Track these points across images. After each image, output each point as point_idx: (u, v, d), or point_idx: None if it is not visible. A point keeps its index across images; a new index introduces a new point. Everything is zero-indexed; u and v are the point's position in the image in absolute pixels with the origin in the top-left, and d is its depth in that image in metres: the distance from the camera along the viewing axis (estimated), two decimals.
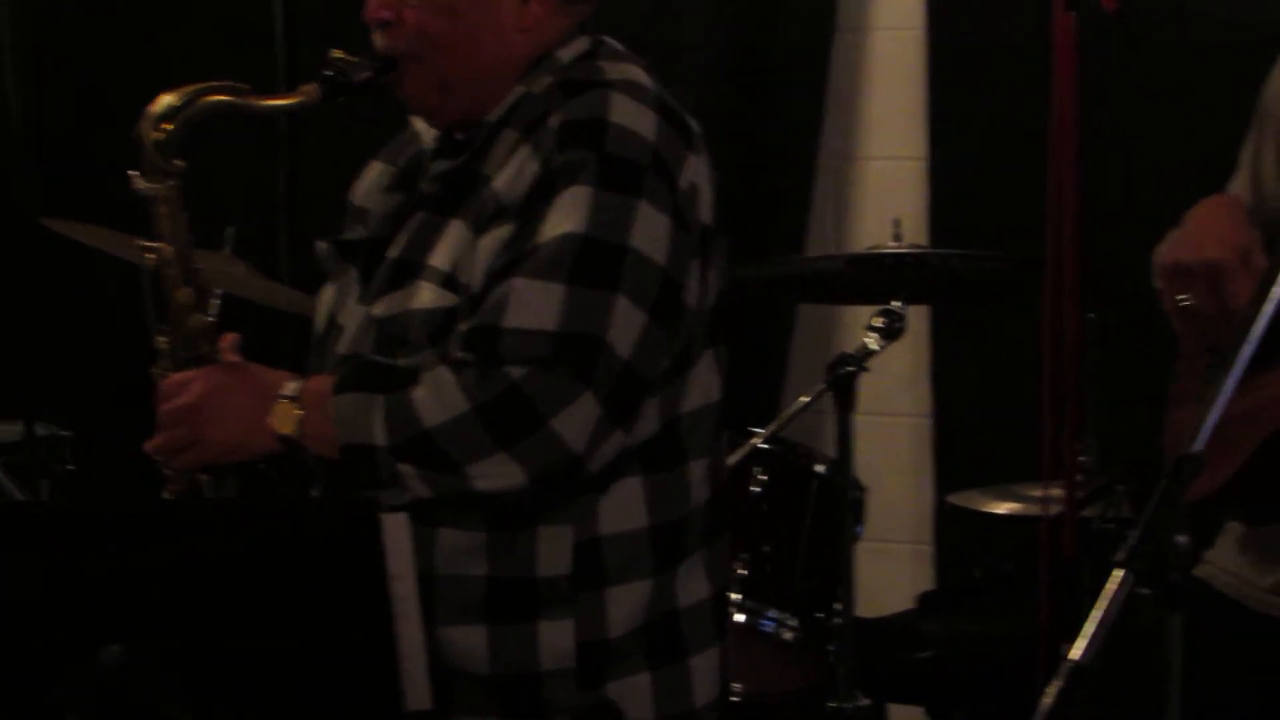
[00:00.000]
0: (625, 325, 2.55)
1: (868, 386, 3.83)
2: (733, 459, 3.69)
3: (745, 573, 3.82)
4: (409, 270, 2.67)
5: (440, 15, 2.68)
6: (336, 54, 2.72)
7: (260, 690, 2.34)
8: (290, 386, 2.62)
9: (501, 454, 2.52)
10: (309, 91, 2.72)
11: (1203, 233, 2.92)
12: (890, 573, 4.79)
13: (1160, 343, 3.06)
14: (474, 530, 2.59)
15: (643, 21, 4.70)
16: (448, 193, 2.69)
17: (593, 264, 2.55)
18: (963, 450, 4.77)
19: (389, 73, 2.71)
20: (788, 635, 3.83)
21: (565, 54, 2.72)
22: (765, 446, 3.88)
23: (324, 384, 2.62)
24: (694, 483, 2.69)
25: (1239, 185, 3.10)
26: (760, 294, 4.57)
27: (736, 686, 3.67)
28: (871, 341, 3.84)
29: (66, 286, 5.02)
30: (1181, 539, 2.11)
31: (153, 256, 2.73)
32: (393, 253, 2.70)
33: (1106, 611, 2.06)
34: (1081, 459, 3.77)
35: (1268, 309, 2.25)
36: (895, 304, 3.87)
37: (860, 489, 3.94)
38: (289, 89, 2.76)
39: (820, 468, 3.93)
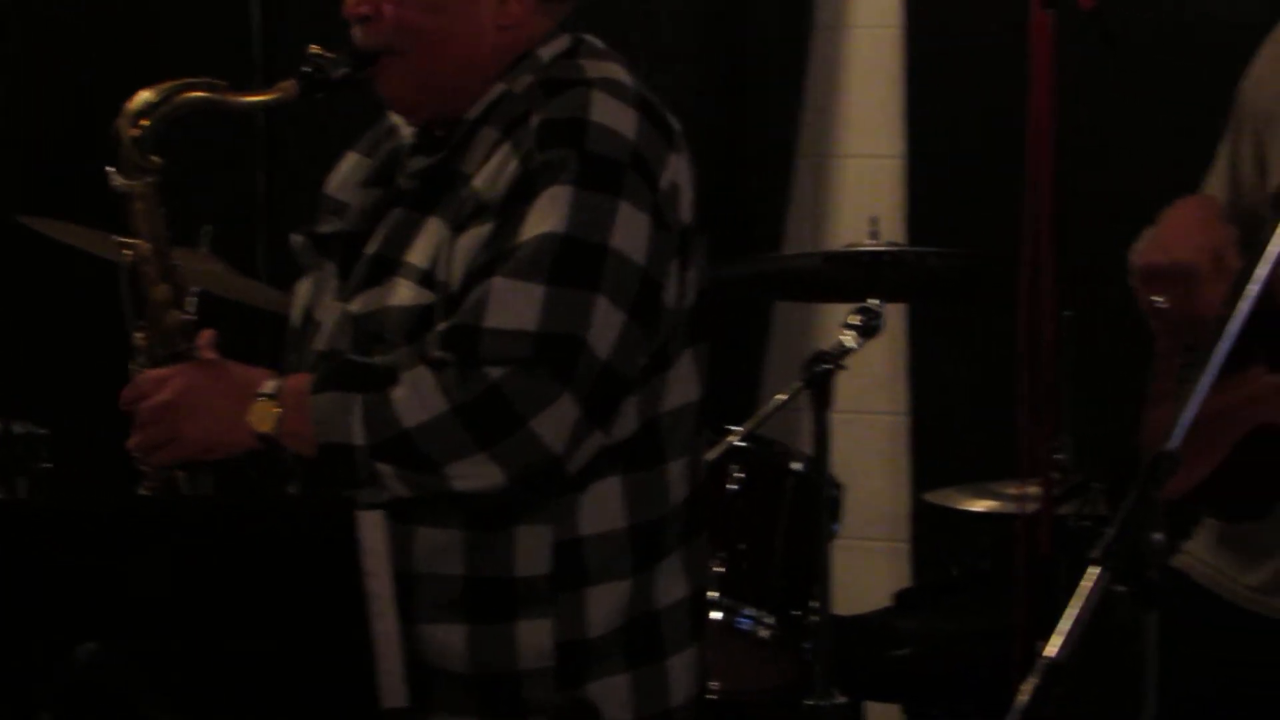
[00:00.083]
0: (605, 325, 2.54)
1: (845, 384, 3.83)
2: (709, 456, 3.69)
3: (722, 570, 3.81)
4: (387, 267, 2.66)
5: (419, 11, 2.67)
6: (315, 50, 2.72)
7: (235, 687, 2.34)
8: (269, 384, 2.61)
9: (481, 454, 2.51)
10: (286, 87, 2.71)
11: (1174, 234, 2.93)
12: (867, 570, 4.80)
13: (1137, 341, 3.07)
14: (452, 529, 2.59)
15: (621, 19, 4.69)
16: (426, 189, 2.69)
17: (573, 264, 2.55)
18: (940, 448, 4.77)
19: (367, 68, 2.71)
20: (764, 633, 3.83)
21: (546, 52, 2.71)
22: (742, 444, 3.87)
23: (302, 382, 2.60)
24: (673, 482, 2.69)
25: (1215, 182, 3.10)
26: (737, 292, 4.56)
27: (713, 684, 3.67)
28: (848, 339, 3.83)
29: (43, 283, 5.01)
30: (1157, 536, 2.11)
31: (130, 253, 2.72)
32: (370, 249, 2.70)
33: (1082, 609, 2.06)
34: (1058, 457, 3.78)
35: (1243, 307, 2.25)
36: (872, 302, 3.87)
37: (837, 487, 3.93)
38: (266, 85, 2.76)
39: (797, 465, 3.92)
